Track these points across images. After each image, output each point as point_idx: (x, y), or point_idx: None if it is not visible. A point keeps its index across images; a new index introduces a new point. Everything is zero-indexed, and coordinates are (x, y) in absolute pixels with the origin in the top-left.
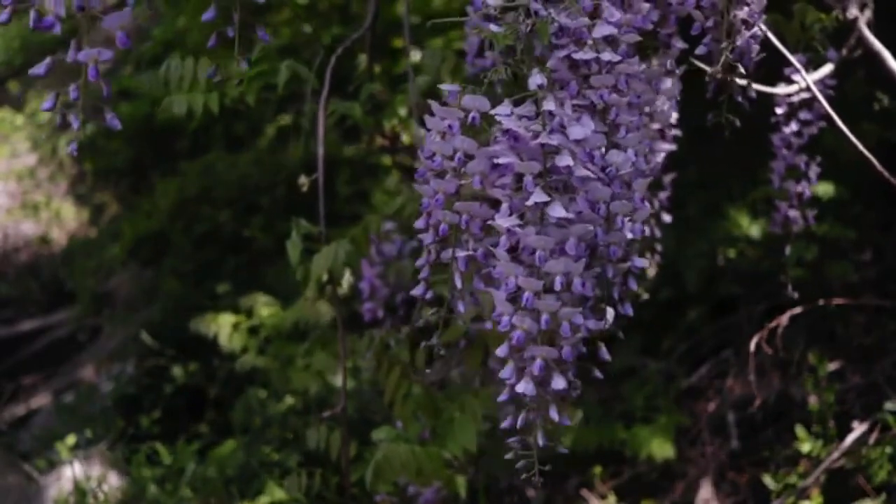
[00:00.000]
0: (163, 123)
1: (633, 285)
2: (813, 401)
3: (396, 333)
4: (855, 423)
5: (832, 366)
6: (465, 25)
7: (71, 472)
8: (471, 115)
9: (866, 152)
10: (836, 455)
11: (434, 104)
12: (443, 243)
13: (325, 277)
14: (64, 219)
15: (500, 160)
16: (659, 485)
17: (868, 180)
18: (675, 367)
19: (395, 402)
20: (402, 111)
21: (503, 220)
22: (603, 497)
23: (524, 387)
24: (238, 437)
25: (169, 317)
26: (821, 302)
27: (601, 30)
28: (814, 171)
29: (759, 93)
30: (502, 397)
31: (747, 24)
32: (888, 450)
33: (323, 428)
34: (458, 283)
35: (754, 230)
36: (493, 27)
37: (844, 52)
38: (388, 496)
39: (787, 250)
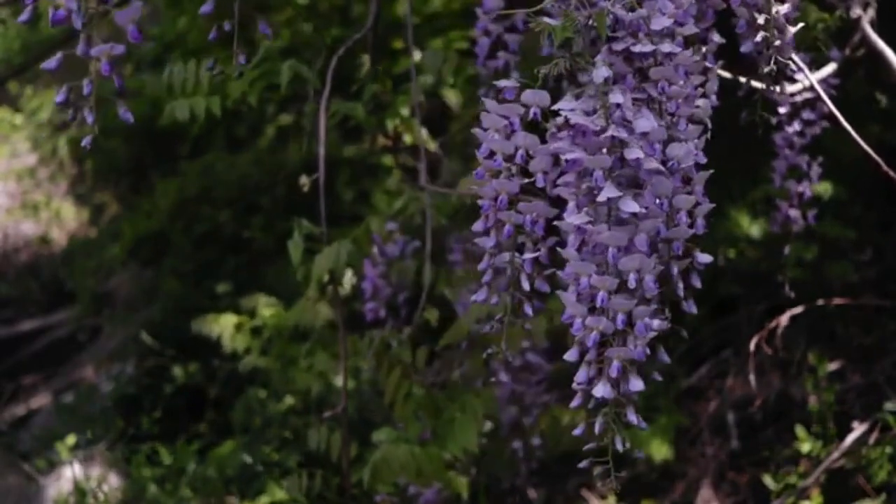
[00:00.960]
0: (164, 123)
1: (697, 282)
2: (813, 401)
3: (398, 334)
4: (855, 423)
5: (832, 366)
6: (467, 26)
7: (71, 472)
8: (531, 110)
9: (872, 153)
10: (836, 455)
11: (490, 102)
12: (502, 246)
13: (326, 278)
14: (64, 219)
15: (568, 156)
16: (659, 485)
17: (868, 180)
18: (674, 367)
19: (395, 402)
20: (405, 111)
21: (573, 218)
22: (603, 497)
23: (602, 390)
24: (238, 437)
25: (169, 317)
26: (821, 302)
27: (659, 22)
28: (815, 171)
29: (784, 95)
30: (575, 403)
31: (788, 21)
32: (888, 450)
33: (324, 429)
34: (526, 286)
35: (754, 230)
36: (548, 20)
37: (847, 51)
38: (389, 497)
39: (787, 250)
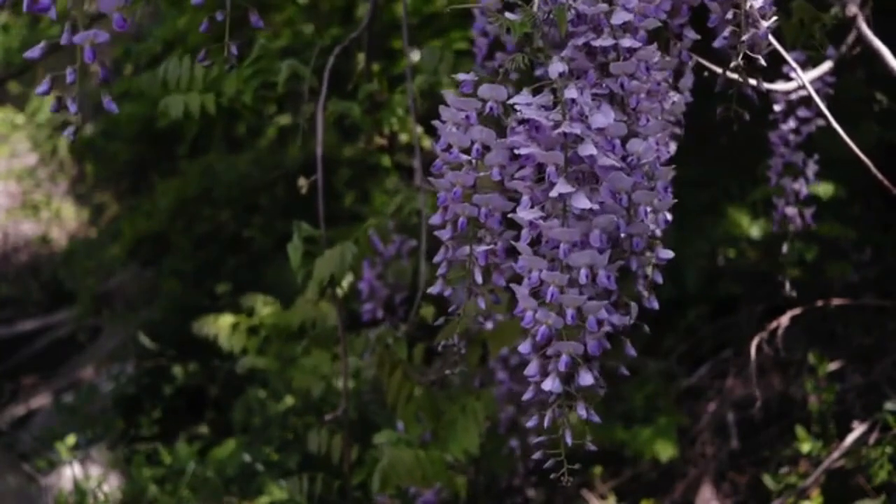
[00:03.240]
0: (163, 124)
1: (658, 278)
2: (813, 401)
3: (394, 332)
4: (855, 423)
5: (832, 366)
6: (468, 26)
7: (71, 472)
8: (488, 104)
9: (860, 152)
10: (836, 455)
11: (450, 95)
12: (459, 239)
13: (326, 279)
14: (64, 219)
15: (522, 151)
16: (659, 485)
17: (868, 180)
18: (675, 367)
19: (398, 404)
20: (401, 111)
21: (525, 213)
22: (603, 497)
23: (551, 384)
24: (238, 437)
25: (169, 317)
26: (821, 302)
27: (620, 16)
28: (811, 168)
29: (760, 91)
30: (527, 396)
31: (763, 16)
32: (888, 450)
33: (324, 431)
34: (479, 279)
35: (754, 230)
36: (508, 15)
37: (843, 49)
38: (390, 499)
39: (785, 248)
